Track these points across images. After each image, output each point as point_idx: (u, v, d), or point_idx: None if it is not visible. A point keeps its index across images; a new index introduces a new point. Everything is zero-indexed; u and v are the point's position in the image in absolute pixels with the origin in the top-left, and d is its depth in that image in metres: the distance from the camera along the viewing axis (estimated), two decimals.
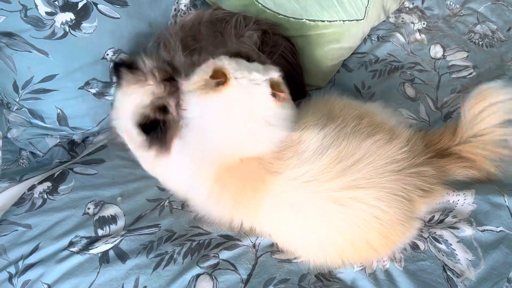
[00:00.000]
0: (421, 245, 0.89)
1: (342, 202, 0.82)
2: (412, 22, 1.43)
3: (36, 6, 0.92)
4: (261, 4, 1.15)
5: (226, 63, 0.87)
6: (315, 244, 0.85)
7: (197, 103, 0.87)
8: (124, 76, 0.90)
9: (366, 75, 1.28)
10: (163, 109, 0.90)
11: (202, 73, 0.88)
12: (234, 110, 0.86)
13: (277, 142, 0.86)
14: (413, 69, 1.30)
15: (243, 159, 0.86)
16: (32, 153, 1.11)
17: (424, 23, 1.44)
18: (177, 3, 1.13)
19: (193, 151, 0.90)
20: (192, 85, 0.88)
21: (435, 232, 0.90)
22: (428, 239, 0.90)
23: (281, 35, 1.12)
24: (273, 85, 0.87)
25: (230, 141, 0.87)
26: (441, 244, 0.89)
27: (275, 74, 0.89)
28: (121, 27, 1.03)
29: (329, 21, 1.21)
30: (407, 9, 1.48)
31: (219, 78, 0.85)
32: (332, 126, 0.88)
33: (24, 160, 1.10)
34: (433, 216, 0.93)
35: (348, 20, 1.24)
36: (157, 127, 0.88)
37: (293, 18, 1.18)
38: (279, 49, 1.07)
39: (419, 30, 1.42)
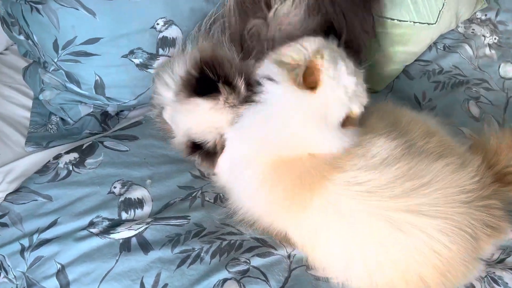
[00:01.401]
0: (477, 285, 0.79)
1: (401, 226, 0.72)
2: (483, 35, 1.31)
3: None
4: None
5: (326, 59, 0.77)
6: (360, 267, 0.75)
7: (276, 90, 0.78)
8: (223, 92, 0.80)
9: (428, 85, 1.17)
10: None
11: (296, 54, 0.80)
12: (313, 109, 0.77)
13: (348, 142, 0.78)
14: (480, 86, 1.18)
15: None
16: (62, 119, 1.03)
17: (495, 38, 1.31)
18: None
19: (254, 135, 0.81)
20: (280, 64, 0.79)
21: (494, 272, 0.80)
22: (485, 279, 0.79)
23: None
24: (348, 118, 0.79)
25: (300, 137, 0.78)
26: (500, 286, 0.78)
27: (357, 106, 0.80)
28: None
29: (399, 20, 1.10)
30: (479, 20, 1.36)
31: (311, 80, 0.76)
32: (402, 139, 0.80)
33: (53, 126, 1.02)
34: (493, 254, 0.83)
35: (419, 23, 1.12)
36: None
37: None
38: None
39: (489, 45, 1.30)
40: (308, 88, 0.77)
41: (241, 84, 0.81)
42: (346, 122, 0.79)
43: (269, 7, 0.94)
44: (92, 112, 1.02)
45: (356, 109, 0.80)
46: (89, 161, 0.92)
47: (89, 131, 1.01)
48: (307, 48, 0.80)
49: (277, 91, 0.78)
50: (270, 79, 0.78)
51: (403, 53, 1.15)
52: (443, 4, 1.15)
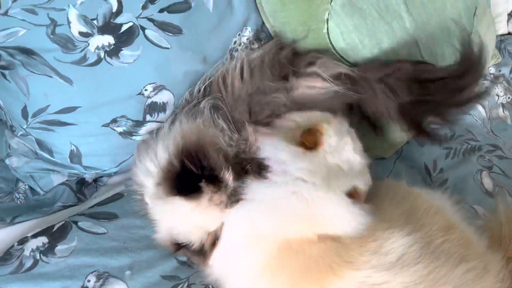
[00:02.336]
0: None
1: None
2: (497, 95, 1.22)
3: (69, 23, 0.71)
4: (339, 54, 0.94)
5: (332, 127, 0.75)
6: None
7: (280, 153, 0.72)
8: (207, 192, 0.69)
9: (439, 152, 1.07)
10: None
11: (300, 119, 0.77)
12: (314, 169, 0.71)
13: (362, 225, 0.71)
14: (493, 154, 1.09)
15: (320, 235, 0.69)
16: (31, 188, 0.90)
17: (509, 97, 1.23)
18: (239, 35, 0.92)
19: (257, 214, 0.71)
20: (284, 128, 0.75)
21: None
22: None
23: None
24: (354, 194, 0.73)
25: (309, 211, 0.70)
26: None
27: (363, 184, 0.74)
28: (169, 60, 0.81)
29: None
30: (492, 76, 1.27)
31: (310, 140, 0.73)
32: (419, 235, 0.72)
33: (20, 195, 0.89)
34: None
35: None
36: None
37: None
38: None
39: (502, 105, 1.21)
40: (307, 147, 0.73)
41: (228, 176, 0.70)
42: (352, 197, 0.74)
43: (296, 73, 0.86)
44: (66, 181, 0.89)
45: (361, 186, 0.76)
46: (60, 247, 0.79)
47: (62, 204, 0.88)
48: (314, 116, 0.78)
49: (279, 155, 0.72)
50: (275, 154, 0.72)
51: None
52: None
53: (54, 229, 0.82)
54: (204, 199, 0.68)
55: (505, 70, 1.29)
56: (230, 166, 0.69)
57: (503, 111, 1.20)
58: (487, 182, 1.03)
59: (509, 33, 1.38)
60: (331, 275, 0.66)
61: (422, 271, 0.67)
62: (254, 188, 0.71)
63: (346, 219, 0.70)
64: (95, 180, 0.94)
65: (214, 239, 0.73)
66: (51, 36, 0.71)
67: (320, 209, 0.69)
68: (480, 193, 1.01)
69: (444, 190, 1.01)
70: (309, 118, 0.78)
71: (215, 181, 0.68)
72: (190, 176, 0.68)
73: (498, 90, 1.23)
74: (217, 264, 0.76)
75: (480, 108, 1.17)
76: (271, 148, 0.73)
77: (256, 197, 0.71)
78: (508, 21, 1.37)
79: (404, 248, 0.69)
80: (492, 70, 1.28)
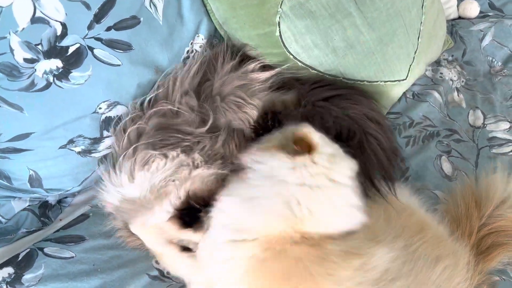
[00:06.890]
0: None
1: None
2: (451, 79, 1.26)
3: (11, 50, 0.69)
4: (293, 55, 0.95)
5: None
6: None
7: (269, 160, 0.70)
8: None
9: (400, 141, 1.10)
10: None
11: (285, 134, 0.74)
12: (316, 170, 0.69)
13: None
14: (450, 138, 1.13)
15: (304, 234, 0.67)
16: None
17: (463, 81, 1.27)
18: (191, 44, 0.91)
19: (241, 215, 0.70)
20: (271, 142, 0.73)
21: None
22: None
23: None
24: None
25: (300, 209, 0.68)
26: None
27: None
28: (121, 76, 0.81)
29: (369, 82, 1.02)
30: (446, 61, 1.31)
31: (303, 145, 0.70)
32: (399, 245, 0.73)
33: None
34: None
35: (390, 81, 1.05)
36: None
37: (328, 74, 0.98)
38: None
39: (457, 89, 1.25)
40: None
41: None
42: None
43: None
44: (28, 206, 0.87)
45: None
46: (27, 276, 0.78)
47: (26, 230, 0.86)
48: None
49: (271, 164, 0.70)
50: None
51: None
52: (413, 59, 1.08)
53: (20, 258, 0.80)
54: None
55: (457, 55, 1.32)
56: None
57: (458, 94, 1.23)
58: (446, 167, 1.07)
59: (459, 18, 1.42)
60: (311, 284, 0.65)
61: (404, 283, 0.69)
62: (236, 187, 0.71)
63: (344, 215, 0.69)
64: (59, 202, 0.93)
65: None
66: None
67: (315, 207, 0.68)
68: (440, 178, 1.04)
69: (406, 179, 1.04)
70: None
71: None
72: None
73: (452, 75, 1.27)
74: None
75: (436, 94, 1.20)
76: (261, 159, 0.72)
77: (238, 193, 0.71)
78: (458, 5, 1.41)
79: (387, 263, 0.69)
80: (446, 55, 1.32)
